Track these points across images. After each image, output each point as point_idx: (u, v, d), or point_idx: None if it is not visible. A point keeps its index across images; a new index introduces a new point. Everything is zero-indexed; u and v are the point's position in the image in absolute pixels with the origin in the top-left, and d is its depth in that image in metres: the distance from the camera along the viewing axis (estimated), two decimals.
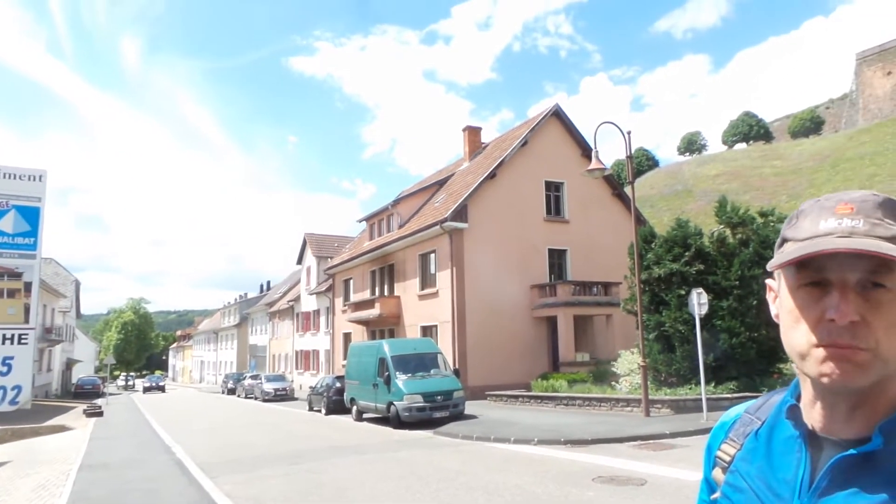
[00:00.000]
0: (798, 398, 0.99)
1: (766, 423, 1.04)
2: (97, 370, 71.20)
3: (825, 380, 0.87)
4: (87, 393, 47.40)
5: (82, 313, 66.50)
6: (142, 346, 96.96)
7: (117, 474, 11.86)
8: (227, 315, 74.72)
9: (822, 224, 0.88)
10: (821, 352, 0.87)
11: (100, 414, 27.97)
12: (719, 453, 1.11)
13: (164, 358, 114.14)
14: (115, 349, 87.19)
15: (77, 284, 57.51)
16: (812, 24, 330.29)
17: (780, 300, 0.96)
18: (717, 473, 1.10)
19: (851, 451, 0.88)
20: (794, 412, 0.97)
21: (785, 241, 0.95)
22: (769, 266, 0.95)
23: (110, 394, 45.92)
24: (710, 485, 1.14)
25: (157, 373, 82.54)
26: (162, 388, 59.83)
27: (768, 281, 1.04)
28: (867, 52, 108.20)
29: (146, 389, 58.91)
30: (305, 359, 44.33)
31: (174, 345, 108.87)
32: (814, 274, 0.88)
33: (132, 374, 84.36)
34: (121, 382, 74.20)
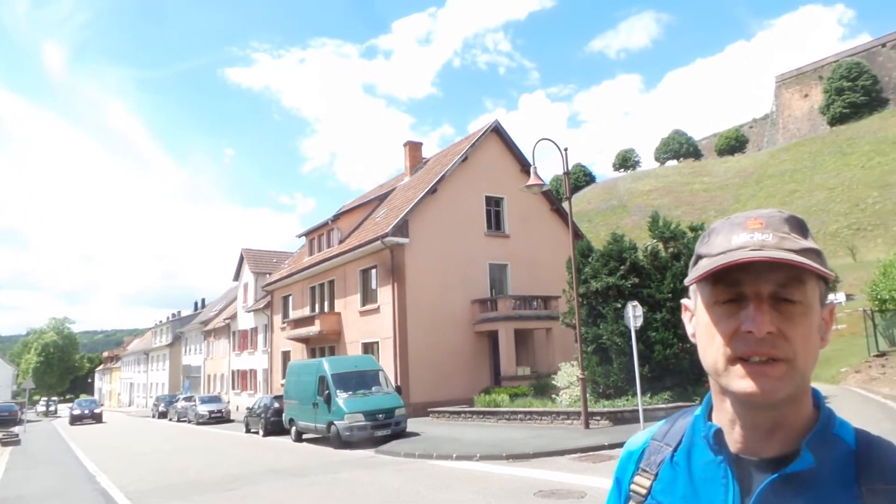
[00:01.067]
0: (709, 417, 0.98)
1: (681, 449, 1.01)
2: (14, 395, 66.82)
3: (743, 394, 0.87)
4: (2, 420, 44.42)
5: None
6: (65, 369, 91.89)
7: None
8: (158, 334, 71.83)
9: (735, 239, 0.90)
10: (738, 367, 0.87)
11: (17, 442, 26.31)
12: (633, 486, 1.06)
13: (89, 381, 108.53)
14: (34, 373, 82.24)
15: None
16: (735, 47, 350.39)
17: (697, 318, 0.97)
18: None
19: (784, 472, 0.87)
20: (718, 436, 0.95)
21: (699, 257, 0.96)
22: (686, 281, 0.95)
23: (29, 421, 43.31)
24: None
25: (83, 396, 77.32)
26: (98, 417, 43.98)
27: (684, 301, 1.03)
28: (786, 76, 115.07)
29: (75, 419, 43.21)
30: (242, 379, 42.99)
31: (101, 367, 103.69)
32: (729, 289, 0.90)
33: (54, 398, 79.70)
34: (41, 408, 69.91)
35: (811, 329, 0.88)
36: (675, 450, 1.02)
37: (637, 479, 1.06)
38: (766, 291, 0.87)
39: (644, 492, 1.03)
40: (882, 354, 20.58)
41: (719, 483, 0.93)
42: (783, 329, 0.86)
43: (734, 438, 0.93)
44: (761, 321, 0.85)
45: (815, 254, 0.89)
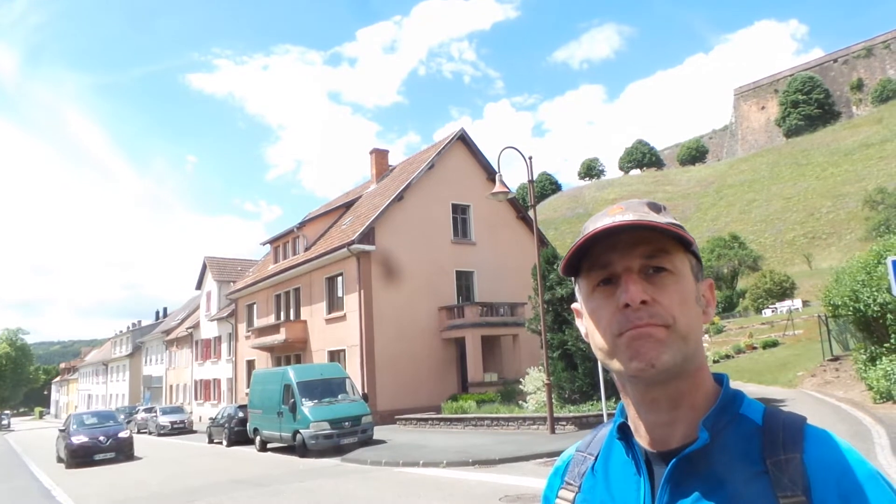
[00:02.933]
0: (626, 419, 0.99)
1: (601, 456, 1.02)
2: None
3: (633, 364, 0.88)
4: None
5: None
6: (18, 381, 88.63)
7: None
8: (118, 344, 69.96)
9: (599, 224, 0.93)
10: (623, 339, 0.89)
11: None
12: (558, 501, 1.05)
13: (45, 393, 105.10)
14: None
15: None
16: (694, 60, 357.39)
17: (584, 314, 0.99)
18: None
19: (682, 454, 0.88)
20: (623, 430, 0.97)
21: None
22: (560, 269, 0.99)
23: None
24: None
25: (67, 407, 74.22)
26: (125, 450, 20.12)
27: (574, 305, 1.05)
28: (744, 88, 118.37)
29: (77, 455, 19.16)
30: (206, 388, 42.17)
31: (57, 378, 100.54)
32: (602, 271, 0.94)
33: (7, 411, 76.95)
34: None
35: (686, 296, 0.91)
36: (596, 458, 1.03)
37: (561, 492, 1.05)
38: (636, 266, 0.91)
39: None
40: (836, 359, 21.22)
41: (632, 480, 0.95)
42: (657, 297, 0.89)
43: (641, 433, 0.95)
44: (634, 290, 0.89)
45: (676, 227, 0.92)
